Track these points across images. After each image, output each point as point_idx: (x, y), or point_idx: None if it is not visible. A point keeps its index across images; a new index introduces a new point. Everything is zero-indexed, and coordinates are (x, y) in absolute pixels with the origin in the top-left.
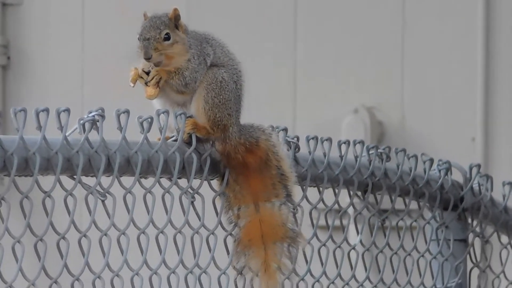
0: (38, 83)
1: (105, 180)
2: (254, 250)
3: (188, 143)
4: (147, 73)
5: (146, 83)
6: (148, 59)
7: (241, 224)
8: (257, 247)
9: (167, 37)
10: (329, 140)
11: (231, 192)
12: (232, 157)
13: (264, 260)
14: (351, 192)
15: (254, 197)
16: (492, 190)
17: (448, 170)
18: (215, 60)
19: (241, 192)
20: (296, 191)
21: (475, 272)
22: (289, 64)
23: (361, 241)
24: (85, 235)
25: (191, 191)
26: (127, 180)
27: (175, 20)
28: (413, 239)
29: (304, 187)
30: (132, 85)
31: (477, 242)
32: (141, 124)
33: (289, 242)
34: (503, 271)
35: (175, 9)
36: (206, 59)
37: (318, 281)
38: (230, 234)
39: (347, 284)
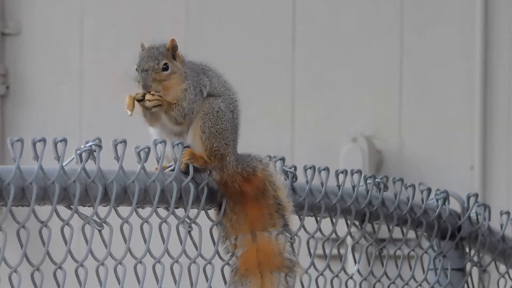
0: (36, 112)
1: (102, 210)
2: (251, 279)
3: (185, 172)
4: (143, 96)
5: (145, 106)
6: (147, 90)
7: (238, 254)
8: (254, 276)
9: (165, 68)
10: (327, 169)
11: (228, 222)
12: (229, 186)
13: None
14: (349, 221)
15: (251, 226)
16: (490, 219)
17: (445, 199)
18: (211, 90)
19: (238, 221)
20: (294, 220)
21: None
22: (287, 92)
23: (358, 270)
24: (82, 265)
25: (188, 221)
26: (124, 210)
27: (172, 51)
28: (410, 268)
29: (302, 216)
30: (129, 112)
31: (475, 271)
32: (138, 154)
33: (286, 272)
34: None
35: (173, 40)
36: (203, 90)
37: None
38: (228, 263)
39: None
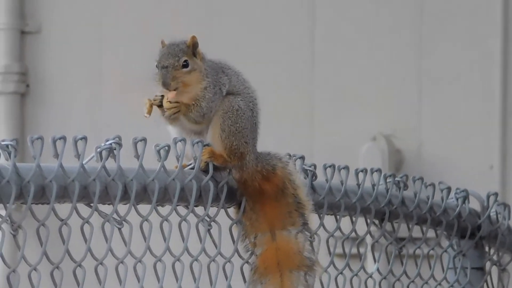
0: (56, 110)
1: (122, 208)
2: (271, 278)
3: (205, 171)
4: (161, 101)
5: (163, 115)
6: (166, 87)
7: (257, 252)
8: (274, 275)
9: (186, 65)
10: (346, 168)
11: (248, 220)
12: (249, 184)
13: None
14: (368, 220)
15: (270, 225)
16: (509, 218)
17: (465, 198)
18: (230, 88)
19: (258, 220)
20: (313, 219)
21: None
22: (306, 92)
23: (378, 269)
24: (101, 263)
25: (208, 219)
26: (144, 208)
27: (193, 48)
28: (430, 267)
29: (321, 215)
30: (147, 116)
31: (494, 270)
32: (158, 152)
33: (305, 271)
34: None
35: (193, 37)
36: (222, 88)
37: None
38: (247, 262)
39: None
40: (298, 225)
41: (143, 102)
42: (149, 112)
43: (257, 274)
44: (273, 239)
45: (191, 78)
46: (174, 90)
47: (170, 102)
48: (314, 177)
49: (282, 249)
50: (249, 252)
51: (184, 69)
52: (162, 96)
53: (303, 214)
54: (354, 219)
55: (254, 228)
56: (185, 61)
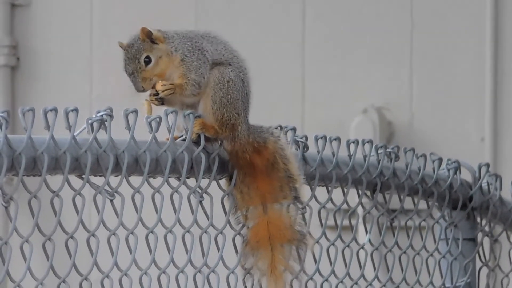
0: (46, 83)
1: (114, 180)
2: (262, 251)
3: (197, 142)
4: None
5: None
6: (141, 91)
7: (249, 225)
8: (265, 248)
9: (148, 61)
10: (338, 139)
11: (239, 193)
12: (240, 156)
13: (271, 262)
14: (360, 192)
15: (262, 198)
16: (501, 189)
17: (457, 169)
18: (218, 57)
19: (249, 193)
20: (305, 191)
21: (484, 271)
22: (297, 65)
23: (370, 241)
24: (93, 235)
25: (200, 191)
26: (136, 180)
27: (148, 38)
28: (422, 239)
29: (313, 186)
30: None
31: (486, 241)
32: (150, 123)
33: (296, 244)
34: None
35: (142, 29)
36: (204, 53)
37: (326, 280)
38: (239, 233)
39: (356, 283)
40: (290, 199)
41: (141, 104)
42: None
43: (248, 248)
44: (264, 213)
45: (162, 66)
46: (153, 87)
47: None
48: (305, 148)
49: (274, 222)
50: (241, 224)
51: (149, 65)
52: (157, 92)
53: (294, 188)
54: (345, 190)
55: (245, 202)
56: (146, 57)
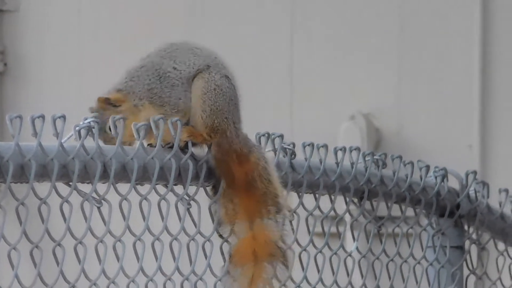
0: (35, 89)
1: (101, 187)
2: (245, 268)
3: (183, 149)
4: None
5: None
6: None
7: (233, 241)
8: (248, 265)
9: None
10: (325, 146)
11: (224, 208)
12: (224, 162)
13: (251, 279)
14: (347, 199)
15: (246, 213)
16: (488, 197)
17: (444, 176)
18: (189, 69)
19: (234, 208)
20: (292, 198)
21: (472, 279)
22: (285, 71)
23: (357, 248)
24: (81, 242)
25: (187, 198)
26: (123, 187)
27: (108, 104)
28: (409, 246)
29: (300, 193)
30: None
31: (474, 249)
32: (137, 130)
33: (281, 260)
34: (499, 278)
35: (98, 98)
36: (168, 74)
37: None
38: (226, 241)
39: None
40: (272, 215)
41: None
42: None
43: (232, 262)
44: (250, 228)
45: (135, 119)
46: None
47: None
48: (293, 155)
49: (258, 239)
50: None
51: (112, 132)
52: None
53: (277, 202)
54: (333, 197)
55: (230, 217)
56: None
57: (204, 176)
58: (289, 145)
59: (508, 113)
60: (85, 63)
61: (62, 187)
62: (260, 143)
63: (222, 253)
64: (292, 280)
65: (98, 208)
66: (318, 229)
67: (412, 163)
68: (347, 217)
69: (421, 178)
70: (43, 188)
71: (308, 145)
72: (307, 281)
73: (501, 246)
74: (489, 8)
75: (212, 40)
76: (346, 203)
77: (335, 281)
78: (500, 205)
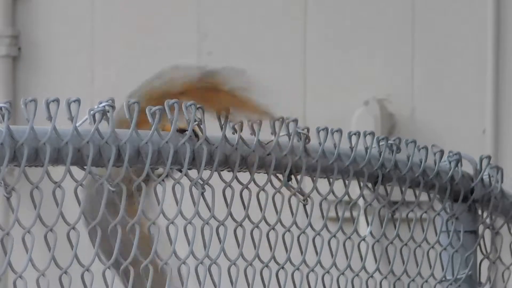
0: (48, 74)
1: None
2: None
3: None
4: None
5: None
6: None
7: None
8: None
9: None
10: (340, 131)
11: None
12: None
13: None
14: (361, 184)
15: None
16: (502, 181)
17: (458, 161)
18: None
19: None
20: (307, 183)
21: (485, 263)
22: (298, 57)
23: (371, 233)
24: (95, 226)
25: (201, 182)
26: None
27: None
28: (423, 231)
29: (315, 178)
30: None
31: (487, 234)
32: (152, 115)
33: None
34: None
35: None
36: None
37: (328, 272)
38: (240, 225)
39: (357, 275)
40: None
41: None
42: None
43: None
44: None
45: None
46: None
47: None
48: (307, 140)
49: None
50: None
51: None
52: None
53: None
54: (347, 182)
55: None
56: None
57: (218, 160)
58: (303, 130)
59: None
60: (98, 48)
61: (76, 171)
62: (274, 128)
63: (236, 237)
64: (305, 264)
65: (113, 192)
66: (332, 213)
67: (426, 148)
68: (361, 202)
69: (435, 163)
70: (57, 172)
71: (323, 129)
72: (321, 265)
73: None
74: None
75: (221, 22)
76: (360, 188)
77: (349, 265)
78: None
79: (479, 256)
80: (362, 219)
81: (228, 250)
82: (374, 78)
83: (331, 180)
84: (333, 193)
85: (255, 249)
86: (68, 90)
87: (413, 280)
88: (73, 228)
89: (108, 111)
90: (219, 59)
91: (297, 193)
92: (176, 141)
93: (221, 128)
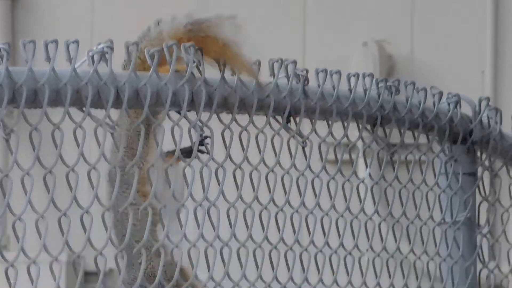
0: (47, 15)
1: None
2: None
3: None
4: None
5: None
6: None
7: None
8: None
9: None
10: (338, 73)
11: None
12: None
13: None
14: (360, 126)
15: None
16: (501, 123)
17: (457, 103)
18: None
19: None
20: (305, 125)
21: (484, 205)
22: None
23: (370, 175)
24: (94, 167)
25: (200, 124)
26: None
27: None
28: (422, 173)
29: (313, 120)
30: None
31: (486, 176)
32: (150, 56)
33: None
34: None
35: None
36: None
37: (327, 214)
38: (239, 167)
39: (356, 217)
40: None
41: None
42: None
43: None
44: None
45: None
46: None
47: None
48: (306, 82)
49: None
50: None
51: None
52: None
53: None
54: (346, 124)
55: None
56: None
57: (217, 102)
58: (302, 71)
59: None
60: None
61: (75, 113)
62: (273, 70)
63: (235, 180)
64: (304, 206)
65: (112, 134)
66: (331, 156)
67: (425, 90)
68: (360, 144)
69: (434, 105)
70: (56, 114)
71: (321, 71)
72: (320, 208)
73: None
74: None
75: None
76: (359, 130)
77: (348, 208)
78: None
79: (478, 198)
80: (361, 161)
81: (226, 192)
82: (373, 19)
83: (330, 122)
84: (332, 135)
85: (254, 191)
86: (67, 31)
87: (412, 222)
88: (72, 170)
89: (107, 53)
90: None
91: (296, 135)
92: (175, 83)
93: (220, 70)
